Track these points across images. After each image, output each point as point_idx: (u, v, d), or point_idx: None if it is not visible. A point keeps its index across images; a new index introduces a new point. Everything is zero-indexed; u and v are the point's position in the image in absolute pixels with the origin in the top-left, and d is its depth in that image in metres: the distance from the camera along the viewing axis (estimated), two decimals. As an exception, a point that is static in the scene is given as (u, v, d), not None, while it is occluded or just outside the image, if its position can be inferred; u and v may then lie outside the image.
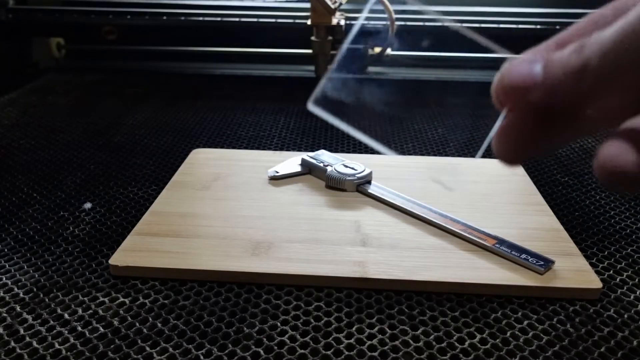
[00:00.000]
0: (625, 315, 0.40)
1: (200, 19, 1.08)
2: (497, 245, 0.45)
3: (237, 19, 1.07)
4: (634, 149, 0.16)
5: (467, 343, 0.37)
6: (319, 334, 0.37)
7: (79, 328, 0.38)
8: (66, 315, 0.39)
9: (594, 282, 0.42)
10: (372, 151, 0.70)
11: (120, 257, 0.44)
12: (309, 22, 0.97)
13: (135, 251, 0.45)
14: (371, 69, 1.11)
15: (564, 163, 0.67)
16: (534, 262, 0.43)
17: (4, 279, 0.43)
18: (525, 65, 0.19)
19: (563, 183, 0.61)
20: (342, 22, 0.99)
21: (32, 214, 0.53)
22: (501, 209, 0.52)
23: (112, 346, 0.36)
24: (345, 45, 0.29)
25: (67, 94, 0.92)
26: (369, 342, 0.37)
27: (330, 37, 1.00)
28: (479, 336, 0.37)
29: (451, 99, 0.94)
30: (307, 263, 0.43)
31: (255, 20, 1.06)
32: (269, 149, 0.70)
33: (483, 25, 1.05)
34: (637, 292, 0.43)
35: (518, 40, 1.08)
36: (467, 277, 0.42)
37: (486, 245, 0.45)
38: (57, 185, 0.59)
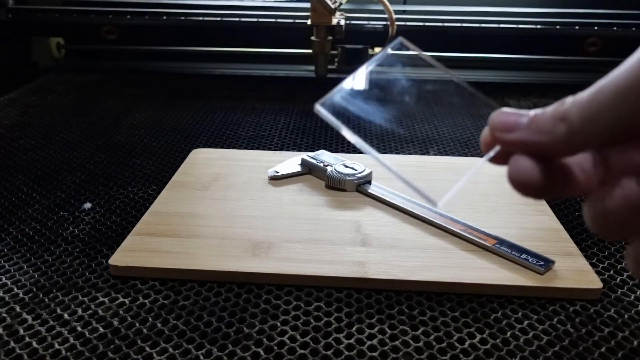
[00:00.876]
0: (626, 316, 0.40)
1: (200, 19, 1.08)
2: (497, 246, 0.45)
3: (237, 19, 1.07)
4: (534, 162, 0.20)
5: (467, 343, 0.37)
6: (319, 334, 0.37)
7: (79, 328, 0.38)
8: (66, 316, 0.39)
9: (594, 282, 0.42)
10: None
11: (120, 257, 0.44)
12: (309, 22, 0.97)
13: (135, 251, 0.45)
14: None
15: (564, 163, 0.67)
16: (534, 262, 0.43)
17: (4, 279, 0.43)
18: (513, 111, 0.22)
19: (563, 183, 0.61)
20: (342, 22, 0.99)
21: (32, 214, 0.53)
22: (501, 209, 0.52)
23: (111, 346, 0.36)
24: (367, 67, 0.30)
25: (67, 93, 0.92)
26: (369, 342, 0.37)
27: (330, 37, 1.00)
28: (479, 336, 0.37)
29: (451, 99, 0.94)
30: (307, 263, 0.43)
31: (255, 20, 1.06)
32: (269, 149, 0.70)
33: (483, 25, 1.05)
34: (638, 292, 0.42)
35: (518, 41, 1.08)
36: (467, 277, 0.42)
37: (486, 245, 0.45)
38: (56, 185, 0.59)
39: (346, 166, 0.57)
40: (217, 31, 1.10)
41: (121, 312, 0.39)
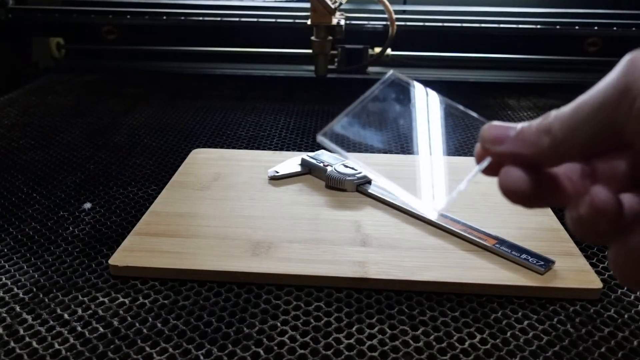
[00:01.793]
0: (626, 316, 0.40)
1: (200, 18, 1.08)
2: (497, 246, 0.45)
3: (237, 19, 1.07)
4: (523, 172, 0.22)
5: (467, 343, 0.37)
6: (319, 334, 0.37)
7: (79, 328, 0.38)
8: (66, 316, 0.39)
9: (594, 282, 0.42)
10: (372, 151, 0.70)
11: (120, 257, 0.44)
12: (309, 22, 0.97)
13: (135, 251, 0.45)
14: (371, 69, 1.11)
15: (564, 163, 0.67)
16: (534, 262, 0.43)
17: (4, 279, 0.43)
18: (502, 125, 0.23)
19: (563, 183, 0.61)
20: (342, 22, 0.99)
21: (32, 214, 0.53)
22: (501, 209, 0.52)
23: (111, 346, 0.36)
24: (368, 97, 0.32)
25: (67, 93, 0.92)
26: (369, 342, 0.37)
27: (330, 37, 1.00)
28: (479, 336, 0.37)
29: (452, 98, 0.94)
30: (307, 263, 0.43)
31: (255, 20, 1.06)
32: (269, 149, 0.70)
33: (483, 25, 1.05)
34: (637, 293, 0.42)
35: (518, 41, 1.08)
36: (467, 277, 0.42)
37: (486, 245, 0.45)
38: (56, 185, 0.59)
39: (346, 166, 0.57)
40: (217, 31, 1.10)
41: (121, 312, 0.39)
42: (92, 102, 0.88)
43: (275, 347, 0.36)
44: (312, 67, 1.05)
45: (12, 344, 0.36)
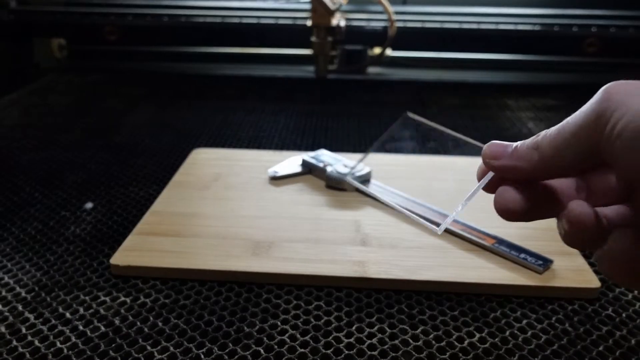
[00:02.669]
0: (624, 315, 0.40)
1: (201, 19, 1.08)
2: (496, 245, 0.45)
3: (237, 20, 1.07)
4: (517, 192, 0.25)
5: (466, 342, 0.37)
6: (319, 333, 0.38)
7: (81, 327, 0.38)
8: (68, 315, 0.39)
9: (592, 281, 0.42)
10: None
11: (122, 257, 0.44)
12: (309, 22, 0.98)
13: (136, 251, 0.45)
14: (371, 69, 1.11)
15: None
16: (533, 261, 0.43)
17: (6, 278, 0.43)
18: (500, 143, 0.26)
19: (562, 183, 0.61)
20: (342, 23, 0.99)
21: (34, 213, 0.53)
22: (500, 209, 0.52)
23: (113, 345, 0.36)
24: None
25: (69, 94, 0.92)
26: (369, 341, 0.37)
27: (330, 38, 1.00)
28: (478, 335, 0.38)
29: (451, 99, 0.94)
30: (307, 263, 0.44)
31: (255, 20, 1.07)
32: (269, 149, 0.70)
33: (482, 25, 1.06)
34: (635, 292, 0.43)
35: (517, 41, 1.08)
36: (466, 276, 0.42)
37: (485, 244, 0.46)
38: (58, 185, 0.59)
39: (346, 166, 0.57)
40: (218, 31, 1.10)
41: (122, 311, 0.40)
42: (94, 102, 0.88)
43: (276, 346, 0.36)
44: (312, 68, 1.05)
45: (14, 342, 0.36)
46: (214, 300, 0.41)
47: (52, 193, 0.57)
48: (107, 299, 0.41)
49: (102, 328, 0.38)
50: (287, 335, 0.37)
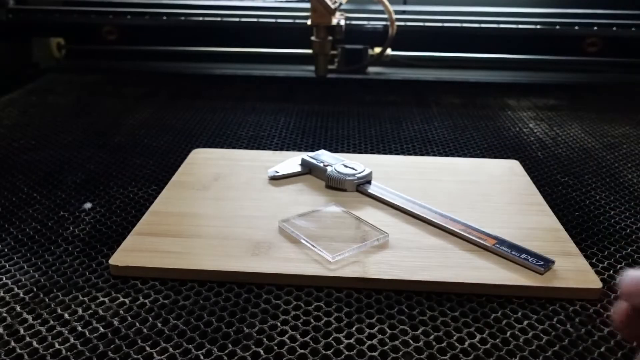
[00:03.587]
0: (625, 315, 0.40)
1: (200, 19, 1.08)
2: (497, 245, 0.45)
3: (237, 19, 1.07)
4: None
5: (467, 343, 0.37)
6: (319, 334, 0.37)
7: (79, 328, 0.38)
8: (66, 315, 0.39)
9: (593, 282, 0.42)
10: (372, 151, 0.70)
11: (120, 257, 0.44)
12: (309, 22, 0.97)
13: (135, 251, 0.45)
14: (371, 69, 1.11)
15: (564, 163, 0.67)
16: (534, 262, 0.43)
17: (4, 279, 0.43)
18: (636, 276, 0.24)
19: (563, 183, 0.61)
20: (342, 22, 0.99)
21: (32, 213, 0.53)
22: (501, 209, 0.52)
23: (112, 346, 0.36)
24: None
25: (68, 94, 0.92)
26: (369, 342, 0.37)
27: (330, 37, 1.00)
28: (479, 336, 0.37)
29: (451, 99, 0.94)
30: (306, 263, 0.43)
31: (255, 20, 1.07)
32: (269, 149, 0.70)
33: (483, 25, 1.06)
34: (637, 292, 0.43)
35: (518, 41, 1.08)
36: (467, 277, 0.42)
37: (486, 245, 0.45)
38: (57, 185, 0.59)
39: (346, 166, 0.57)
40: (217, 31, 1.10)
41: (121, 311, 0.39)
42: (93, 102, 0.88)
43: (275, 347, 0.36)
44: (312, 67, 1.05)
45: (12, 343, 0.36)
46: (214, 301, 0.41)
47: (50, 193, 0.57)
48: (106, 299, 0.41)
49: (101, 329, 0.38)
50: (286, 336, 0.37)
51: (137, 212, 0.53)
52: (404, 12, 1.09)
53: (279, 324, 0.38)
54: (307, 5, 0.97)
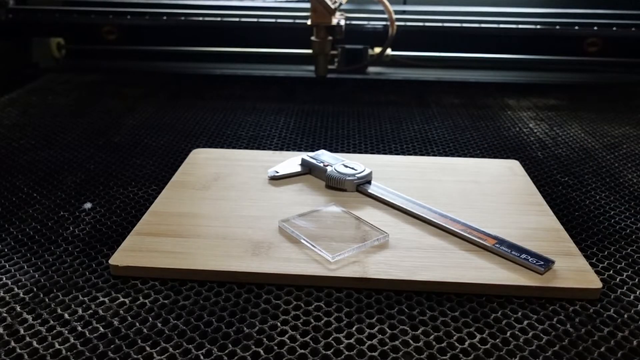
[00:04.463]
0: (625, 315, 0.40)
1: (200, 19, 1.08)
2: (497, 245, 0.45)
3: (237, 19, 1.07)
4: None
5: (467, 343, 0.37)
6: (319, 334, 0.37)
7: (79, 328, 0.38)
8: (66, 315, 0.39)
9: (593, 282, 0.42)
10: (372, 151, 0.70)
11: (121, 257, 0.44)
12: (309, 22, 0.97)
13: (135, 251, 0.45)
14: (371, 69, 1.11)
15: (564, 163, 0.67)
16: (534, 262, 0.43)
17: (4, 278, 0.43)
18: None
19: (563, 183, 0.61)
20: (342, 22, 0.99)
21: (32, 213, 0.53)
22: (501, 209, 0.52)
23: (112, 346, 0.36)
24: None
25: (67, 94, 0.92)
26: (369, 342, 0.37)
27: (330, 37, 1.00)
28: (479, 336, 0.37)
29: (451, 99, 0.94)
30: (306, 263, 0.43)
31: (255, 20, 1.06)
32: (269, 149, 0.70)
33: (483, 25, 1.05)
34: (637, 292, 0.43)
35: (518, 41, 1.08)
36: (467, 277, 0.42)
37: (486, 245, 0.45)
38: (57, 185, 0.59)
39: (346, 166, 0.57)
40: (217, 31, 1.10)
41: (121, 312, 0.39)
42: (93, 102, 0.88)
43: (275, 347, 0.36)
44: (312, 67, 1.05)
45: (12, 343, 0.36)
46: (214, 301, 0.41)
47: (50, 193, 0.57)
48: (106, 299, 0.41)
49: (101, 329, 0.38)
50: (286, 336, 0.37)
51: (137, 212, 0.53)
52: (404, 12, 1.09)
53: (279, 324, 0.38)
54: (307, 5, 0.97)
